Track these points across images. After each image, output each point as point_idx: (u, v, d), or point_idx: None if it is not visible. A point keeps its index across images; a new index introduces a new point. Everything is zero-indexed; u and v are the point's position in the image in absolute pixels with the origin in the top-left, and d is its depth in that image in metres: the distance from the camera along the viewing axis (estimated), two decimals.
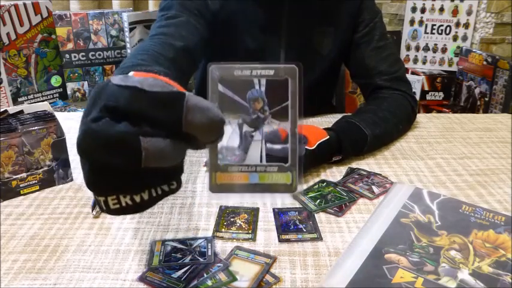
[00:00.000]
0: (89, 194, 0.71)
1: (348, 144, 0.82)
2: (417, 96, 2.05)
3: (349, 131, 0.84)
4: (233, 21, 0.99)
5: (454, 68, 2.15)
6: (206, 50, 0.96)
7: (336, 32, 1.03)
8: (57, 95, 1.68)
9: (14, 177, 0.68)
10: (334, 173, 0.79)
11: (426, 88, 2.08)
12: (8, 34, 1.50)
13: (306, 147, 0.75)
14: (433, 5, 2.11)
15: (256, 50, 1.00)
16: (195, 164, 0.81)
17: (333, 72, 1.14)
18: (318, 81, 1.06)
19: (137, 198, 0.39)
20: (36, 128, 0.69)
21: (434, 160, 0.84)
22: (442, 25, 2.14)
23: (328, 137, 0.79)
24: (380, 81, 1.02)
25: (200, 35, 0.92)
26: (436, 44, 2.16)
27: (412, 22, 2.15)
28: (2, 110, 0.70)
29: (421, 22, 2.15)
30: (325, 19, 1.02)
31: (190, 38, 0.90)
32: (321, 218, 0.66)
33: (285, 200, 0.70)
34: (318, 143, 0.77)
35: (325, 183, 0.75)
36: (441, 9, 2.11)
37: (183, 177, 0.77)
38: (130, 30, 1.66)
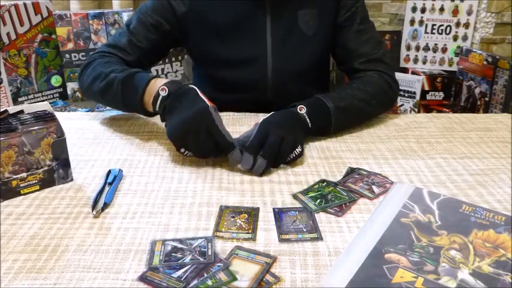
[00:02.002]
0: (89, 194, 0.71)
1: (307, 102, 0.90)
2: (417, 96, 2.05)
3: (312, 104, 0.91)
4: (211, 9, 1.04)
5: (454, 68, 2.15)
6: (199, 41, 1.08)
7: (320, 14, 1.07)
8: (57, 95, 1.68)
9: (14, 177, 0.69)
10: (334, 173, 0.79)
11: (426, 88, 2.08)
12: (8, 34, 1.50)
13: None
14: (433, 5, 2.11)
15: (241, 32, 1.05)
16: (195, 164, 0.81)
17: (322, 56, 1.16)
18: (309, 63, 1.10)
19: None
20: (36, 127, 0.69)
21: (435, 160, 0.84)
22: (442, 25, 2.13)
23: None
24: (356, 65, 1.06)
25: (149, 47, 1.07)
26: (436, 44, 2.16)
27: (412, 22, 2.15)
28: (2, 110, 0.70)
29: (421, 22, 2.14)
30: (307, 2, 1.06)
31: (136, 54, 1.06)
32: (321, 218, 0.66)
33: (285, 200, 0.70)
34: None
35: (325, 183, 0.75)
36: (441, 9, 2.11)
37: (184, 176, 0.76)
38: None
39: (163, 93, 0.82)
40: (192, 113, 0.76)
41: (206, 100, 0.78)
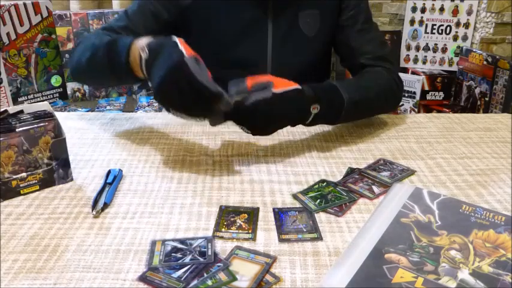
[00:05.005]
0: (89, 194, 0.71)
1: (324, 98, 0.84)
2: (417, 96, 2.05)
3: (326, 89, 0.88)
4: (216, 7, 1.03)
5: (454, 68, 2.15)
6: (196, 35, 1.05)
7: (322, 15, 1.06)
8: (57, 94, 1.68)
9: (14, 177, 0.68)
10: (334, 173, 0.79)
11: (426, 88, 2.08)
12: (8, 34, 1.50)
13: (272, 90, 0.77)
14: (433, 4, 2.11)
15: (243, 31, 1.04)
16: (195, 164, 0.81)
17: (323, 57, 1.16)
18: (308, 63, 1.09)
19: None
20: (33, 126, 0.68)
21: (435, 160, 0.84)
22: (442, 25, 2.14)
23: (298, 86, 0.81)
24: (363, 60, 1.06)
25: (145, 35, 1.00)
26: (436, 44, 2.16)
27: (412, 22, 2.15)
28: (2, 110, 0.70)
29: (421, 22, 2.15)
30: (308, 3, 1.05)
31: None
32: (321, 218, 0.66)
33: (285, 200, 0.70)
34: (286, 89, 0.79)
35: (325, 183, 0.75)
36: (441, 9, 2.11)
37: (184, 176, 0.76)
38: None
39: (144, 55, 0.75)
40: (167, 69, 0.69)
41: (184, 50, 0.70)
